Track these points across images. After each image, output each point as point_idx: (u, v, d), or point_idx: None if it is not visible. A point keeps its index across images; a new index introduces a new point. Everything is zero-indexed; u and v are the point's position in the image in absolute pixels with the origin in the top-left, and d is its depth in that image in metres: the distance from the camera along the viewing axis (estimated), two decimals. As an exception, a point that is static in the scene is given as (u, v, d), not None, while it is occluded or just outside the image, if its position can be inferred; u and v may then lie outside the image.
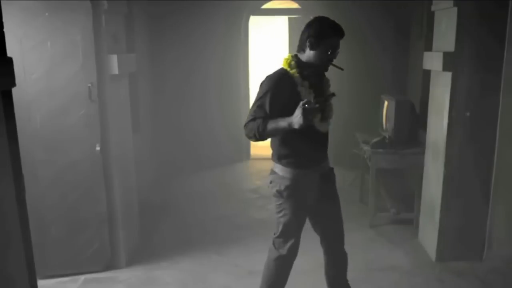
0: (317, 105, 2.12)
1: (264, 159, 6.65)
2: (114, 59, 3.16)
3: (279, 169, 2.51)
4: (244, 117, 2.45)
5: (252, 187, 5.49)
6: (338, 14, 6.21)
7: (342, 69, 2.41)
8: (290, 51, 6.84)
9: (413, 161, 4.11)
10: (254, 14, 6.51)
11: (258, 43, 7.85)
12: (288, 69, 2.39)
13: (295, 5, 6.52)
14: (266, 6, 6.48)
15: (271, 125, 2.25)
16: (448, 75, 3.27)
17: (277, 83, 2.33)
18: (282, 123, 2.21)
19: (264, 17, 7.36)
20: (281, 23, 7.33)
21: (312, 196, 2.49)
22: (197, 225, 4.35)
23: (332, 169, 2.60)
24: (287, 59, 2.43)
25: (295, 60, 2.41)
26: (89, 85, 3.10)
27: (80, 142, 3.18)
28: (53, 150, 3.16)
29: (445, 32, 3.34)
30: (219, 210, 4.73)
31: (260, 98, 2.32)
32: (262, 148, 7.24)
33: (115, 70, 3.17)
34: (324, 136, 2.51)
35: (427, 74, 4.63)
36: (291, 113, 2.16)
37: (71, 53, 3.05)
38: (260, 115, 2.29)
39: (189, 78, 6.17)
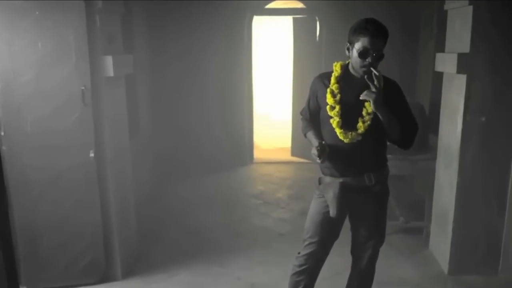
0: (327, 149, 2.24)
1: (267, 163, 6.50)
2: (109, 61, 3.00)
3: None
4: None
5: (255, 193, 5.32)
6: (344, 14, 6.12)
7: (377, 74, 2.13)
8: (294, 53, 6.67)
9: (423, 168, 3.93)
10: (257, 14, 6.35)
11: (262, 44, 7.69)
12: (334, 71, 2.34)
13: (300, 5, 6.35)
14: (270, 6, 6.31)
15: (308, 135, 2.49)
16: (463, 78, 3.09)
17: (312, 85, 2.45)
18: (312, 141, 2.41)
19: (268, 17, 7.18)
20: (286, 24, 7.15)
21: (337, 207, 2.33)
22: (197, 233, 4.17)
23: (376, 184, 2.36)
24: (342, 62, 2.38)
25: (344, 64, 2.36)
26: (83, 88, 2.94)
27: (73, 148, 3.02)
28: (45, 156, 3.00)
29: (459, 32, 3.15)
30: (221, 217, 4.56)
31: (307, 98, 2.52)
32: (266, 151, 7.11)
33: (110, 72, 3.01)
34: (354, 147, 2.29)
35: (437, 75, 4.45)
36: (325, 108, 2.30)
37: (64, 54, 2.89)
38: (306, 116, 2.53)
39: (190, 79, 6.01)
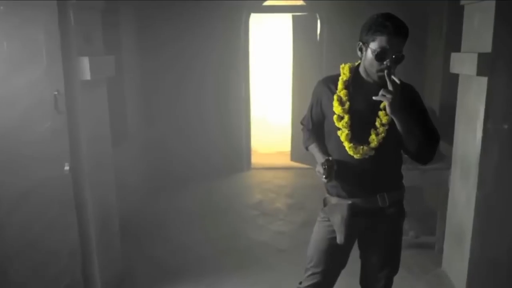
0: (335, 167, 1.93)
1: (266, 169, 6.18)
2: (85, 63, 2.67)
3: None
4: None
5: (253, 202, 4.98)
6: (347, 12, 5.83)
7: (398, 83, 1.80)
8: (294, 53, 6.35)
9: (435, 178, 3.60)
10: (255, 12, 6.04)
11: (259, 44, 7.36)
12: (342, 74, 2.02)
13: (299, 2, 6.06)
14: (268, 3, 6.01)
15: (312, 149, 2.20)
16: (483, 81, 2.76)
17: (316, 91, 2.14)
18: (317, 156, 2.12)
19: (266, 15, 6.87)
20: (285, 22, 6.83)
21: (345, 233, 2.00)
22: (188, 249, 3.83)
23: (391, 206, 2.04)
24: (350, 64, 2.06)
25: (353, 66, 2.03)
26: (55, 93, 2.59)
27: (45, 161, 2.67)
28: (13, 171, 2.64)
29: (479, 30, 2.82)
30: (214, 231, 4.21)
31: (309, 105, 2.22)
32: (264, 156, 6.78)
33: (87, 75, 2.68)
34: (365, 164, 1.97)
35: (448, 77, 4.15)
36: (331, 118, 2.00)
37: (33, 55, 2.54)
38: (308, 126, 2.23)
39: (184, 81, 5.68)
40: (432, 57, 4.90)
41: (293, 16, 6.30)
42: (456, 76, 3.20)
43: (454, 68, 3.09)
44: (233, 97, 5.96)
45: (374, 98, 1.84)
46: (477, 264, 2.99)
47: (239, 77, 5.96)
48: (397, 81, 1.78)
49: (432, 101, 4.64)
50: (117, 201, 3.37)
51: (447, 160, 3.50)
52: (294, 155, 6.48)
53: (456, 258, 3.19)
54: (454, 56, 3.10)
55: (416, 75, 5.17)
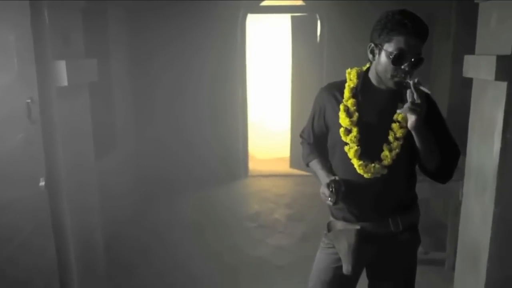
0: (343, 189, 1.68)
1: (264, 176, 5.92)
2: (62, 67, 2.40)
3: None
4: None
5: (250, 213, 4.71)
6: (348, 12, 5.58)
7: (424, 91, 1.57)
8: (293, 55, 6.10)
9: (445, 190, 3.33)
10: (252, 12, 5.81)
11: (257, 46, 7.11)
12: (348, 80, 1.76)
13: (299, 2, 5.83)
14: (266, 3, 5.76)
15: (313, 166, 1.94)
16: (502, 86, 2.49)
17: (318, 99, 1.88)
18: (320, 175, 1.86)
19: (264, 16, 6.63)
20: (284, 23, 6.58)
21: (353, 262, 1.75)
22: (179, 267, 3.56)
23: (405, 231, 1.81)
24: (358, 68, 1.79)
25: (361, 71, 1.78)
26: (28, 101, 2.33)
27: (17, 176, 2.41)
28: (-19, 188, 2.40)
29: (497, 30, 2.56)
30: (208, 246, 3.93)
31: (310, 115, 1.96)
32: (262, 162, 6.53)
33: (64, 81, 2.42)
34: (376, 184, 1.72)
35: (457, 81, 3.91)
36: (336, 131, 1.74)
37: (2, 59, 2.28)
38: (309, 140, 1.97)
39: (177, 85, 5.43)
40: (439, 59, 4.65)
41: (292, 17, 6.07)
42: (465, 79, 2.96)
43: (469, 72, 2.82)
44: (229, 101, 5.72)
45: (398, 111, 1.60)
46: (494, 286, 2.73)
47: (236, 81, 5.73)
48: (428, 92, 1.53)
49: (439, 107, 4.38)
50: (106, 214, 3.11)
51: (458, 171, 3.24)
52: (293, 162, 6.23)
53: (470, 279, 2.93)
54: (468, 59, 2.83)
55: (422, 77, 4.94)
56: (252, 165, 6.19)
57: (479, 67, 2.67)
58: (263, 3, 5.73)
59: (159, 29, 5.24)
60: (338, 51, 5.25)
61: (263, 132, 7.12)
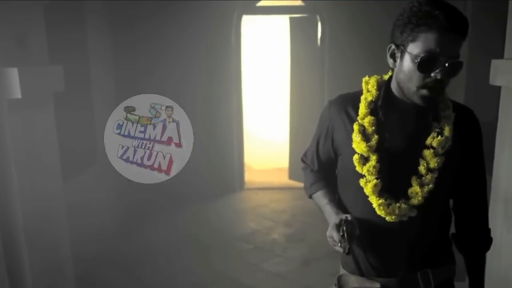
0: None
1: (262, 189, 5.52)
2: (13, 75, 2.00)
3: None
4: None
5: (245, 233, 4.30)
6: (351, 13, 5.20)
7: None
8: (292, 58, 5.73)
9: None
10: (247, 13, 5.45)
11: (253, 48, 6.73)
12: (365, 92, 1.34)
13: (298, 2, 5.47)
14: (263, 3, 5.40)
15: (317, 199, 1.52)
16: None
17: (325, 115, 1.43)
18: (326, 211, 1.43)
19: (261, 17, 6.27)
20: (282, 24, 6.22)
21: None
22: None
23: None
24: (378, 76, 1.37)
25: (383, 80, 1.36)
26: (-28, 117, 1.94)
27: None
28: None
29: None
30: (196, 273, 3.49)
31: (315, 136, 1.52)
32: (259, 173, 6.15)
33: (16, 93, 2.01)
34: (402, 229, 1.32)
35: (473, 88, 3.55)
36: (349, 159, 1.32)
37: None
38: (313, 166, 1.56)
39: (165, 89, 4.91)
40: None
41: (291, 18, 5.70)
42: (484, 87, 2.58)
43: (496, 79, 2.42)
44: (224, 107, 5.34)
45: None
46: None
47: (230, 86, 5.36)
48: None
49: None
50: (87, 235, 2.71)
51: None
52: (292, 172, 5.83)
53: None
54: (495, 64, 2.44)
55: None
56: (249, 176, 5.82)
57: (508, 74, 2.28)
58: (260, 4, 5.38)
59: (146, 34, 4.84)
60: (341, 55, 4.90)
61: (259, 140, 6.72)
